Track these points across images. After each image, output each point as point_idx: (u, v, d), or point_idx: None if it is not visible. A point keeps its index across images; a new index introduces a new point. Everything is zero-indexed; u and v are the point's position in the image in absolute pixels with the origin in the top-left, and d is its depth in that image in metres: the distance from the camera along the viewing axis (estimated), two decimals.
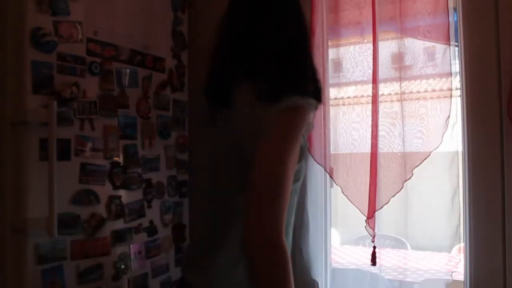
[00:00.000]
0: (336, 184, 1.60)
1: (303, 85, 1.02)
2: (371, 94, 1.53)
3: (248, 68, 1.05)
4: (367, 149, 1.54)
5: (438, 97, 1.49)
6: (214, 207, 1.13)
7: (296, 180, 1.04)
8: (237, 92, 1.03)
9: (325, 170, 1.63)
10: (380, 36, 1.55)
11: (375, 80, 1.53)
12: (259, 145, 0.96)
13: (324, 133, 1.62)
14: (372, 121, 1.53)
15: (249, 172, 0.95)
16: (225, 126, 1.08)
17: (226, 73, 1.09)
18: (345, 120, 1.62)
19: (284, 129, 0.98)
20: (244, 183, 0.95)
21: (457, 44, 1.50)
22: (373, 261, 1.54)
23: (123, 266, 1.50)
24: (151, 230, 1.62)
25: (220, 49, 1.14)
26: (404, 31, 1.52)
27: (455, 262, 1.53)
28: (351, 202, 1.56)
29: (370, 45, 1.54)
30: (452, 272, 1.52)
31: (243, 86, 1.03)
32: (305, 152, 1.05)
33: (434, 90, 1.54)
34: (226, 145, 1.08)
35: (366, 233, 1.53)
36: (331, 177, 1.62)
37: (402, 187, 1.49)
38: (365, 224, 1.51)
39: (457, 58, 1.50)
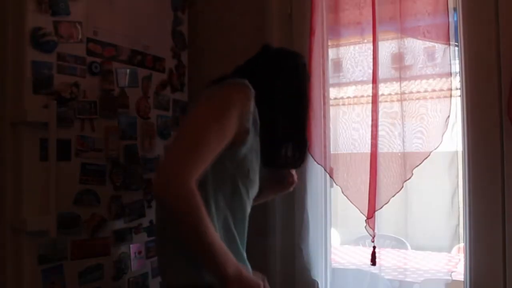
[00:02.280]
0: (336, 184, 1.60)
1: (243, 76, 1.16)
2: (371, 94, 1.53)
3: None
4: (367, 149, 1.53)
5: (438, 97, 1.49)
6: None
7: (242, 173, 1.13)
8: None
9: (325, 170, 1.63)
10: (380, 36, 1.55)
11: (375, 80, 1.53)
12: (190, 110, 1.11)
13: (324, 133, 1.62)
14: (372, 121, 1.53)
15: None
16: None
17: None
18: (345, 120, 1.62)
19: (214, 96, 1.12)
20: None
21: (457, 44, 1.50)
22: (373, 261, 1.54)
23: (123, 267, 1.50)
24: (151, 230, 1.62)
25: None
26: (404, 31, 1.52)
27: (455, 262, 1.53)
28: (351, 202, 1.56)
29: (370, 45, 1.54)
30: (452, 272, 1.52)
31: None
32: (246, 140, 1.12)
33: (434, 90, 1.54)
34: None
35: (366, 233, 1.53)
36: (331, 177, 1.62)
37: (402, 187, 1.49)
38: (365, 224, 1.51)
39: (457, 58, 1.50)
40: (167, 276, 1.18)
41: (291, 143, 1.28)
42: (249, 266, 1.20)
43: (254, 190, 1.21)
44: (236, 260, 1.07)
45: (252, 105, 1.13)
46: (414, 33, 1.51)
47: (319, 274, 1.67)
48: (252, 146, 1.15)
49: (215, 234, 1.04)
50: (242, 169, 1.14)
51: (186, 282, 1.13)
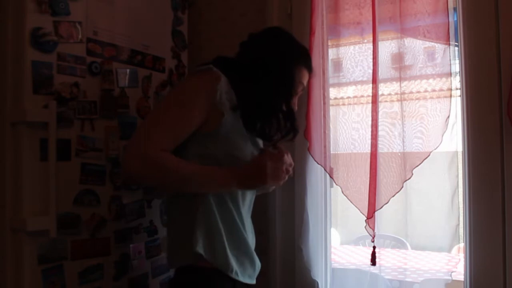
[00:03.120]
0: (336, 184, 1.60)
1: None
2: (371, 94, 1.53)
3: None
4: (367, 149, 1.53)
5: (438, 97, 1.49)
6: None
7: (226, 154, 1.19)
8: None
9: (325, 170, 1.63)
10: (380, 36, 1.55)
11: (375, 80, 1.53)
12: None
13: (324, 133, 1.62)
14: (372, 121, 1.53)
15: None
16: None
17: None
18: (345, 120, 1.62)
19: (179, 85, 1.29)
20: None
21: (457, 44, 1.50)
22: (373, 261, 1.54)
23: (123, 267, 1.50)
24: (151, 230, 1.62)
25: None
26: (404, 31, 1.52)
27: (455, 262, 1.53)
28: (351, 202, 1.56)
29: (370, 45, 1.54)
30: (452, 272, 1.52)
31: None
32: (222, 121, 1.18)
33: (434, 90, 1.54)
34: None
35: (366, 233, 1.53)
36: (331, 177, 1.62)
37: (402, 187, 1.49)
38: (365, 224, 1.51)
39: (457, 58, 1.50)
40: (172, 259, 1.28)
41: (280, 115, 1.28)
42: (253, 252, 1.28)
43: None
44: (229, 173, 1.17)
45: (220, 87, 1.16)
46: (414, 33, 1.51)
47: (319, 274, 1.67)
48: (232, 126, 1.19)
49: (191, 166, 1.15)
50: (227, 149, 1.19)
51: (185, 263, 1.20)
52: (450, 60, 1.46)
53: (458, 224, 1.45)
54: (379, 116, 1.53)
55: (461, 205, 1.46)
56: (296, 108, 1.36)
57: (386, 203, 1.50)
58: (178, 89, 1.23)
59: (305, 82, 1.37)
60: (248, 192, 1.29)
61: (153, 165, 1.10)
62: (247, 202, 1.29)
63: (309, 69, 1.36)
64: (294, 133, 1.32)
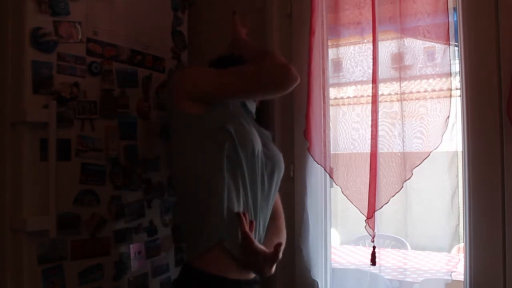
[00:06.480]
0: (336, 184, 1.60)
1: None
2: (371, 94, 1.53)
3: None
4: (367, 149, 1.54)
5: (438, 97, 1.49)
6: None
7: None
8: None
9: (325, 170, 1.63)
10: (380, 36, 1.55)
11: (375, 80, 1.53)
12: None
13: (324, 133, 1.62)
14: (372, 121, 1.53)
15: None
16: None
17: None
18: (345, 120, 1.62)
19: (196, 70, 1.40)
20: None
21: (457, 44, 1.50)
22: (373, 261, 1.54)
23: (123, 267, 1.50)
24: (151, 230, 1.62)
25: None
26: (404, 31, 1.52)
27: (454, 262, 1.53)
28: (351, 202, 1.56)
29: (370, 45, 1.54)
30: (452, 272, 1.52)
31: None
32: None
33: (434, 90, 1.54)
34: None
35: (366, 233, 1.53)
36: (331, 177, 1.62)
37: (402, 187, 1.49)
38: (365, 224, 1.51)
39: (457, 58, 1.50)
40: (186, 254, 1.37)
41: None
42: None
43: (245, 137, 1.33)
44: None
45: None
46: (414, 33, 1.51)
47: (319, 274, 1.67)
48: None
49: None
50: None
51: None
52: (450, 60, 1.46)
53: (458, 224, 1.46)
54: (379, 116, 1.53)
55: (461, 205, 1.46)
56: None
57: (386, 203, 1.50)
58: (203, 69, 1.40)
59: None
60: (266, 181, 1.34)
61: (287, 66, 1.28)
62: (265, 191, 1.34)
63: None
64: None
